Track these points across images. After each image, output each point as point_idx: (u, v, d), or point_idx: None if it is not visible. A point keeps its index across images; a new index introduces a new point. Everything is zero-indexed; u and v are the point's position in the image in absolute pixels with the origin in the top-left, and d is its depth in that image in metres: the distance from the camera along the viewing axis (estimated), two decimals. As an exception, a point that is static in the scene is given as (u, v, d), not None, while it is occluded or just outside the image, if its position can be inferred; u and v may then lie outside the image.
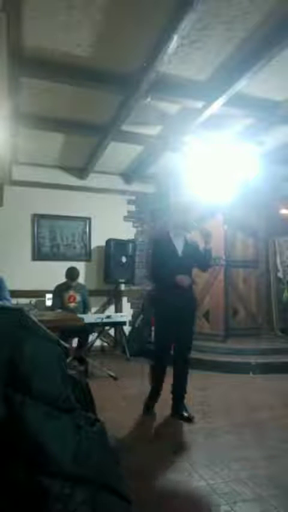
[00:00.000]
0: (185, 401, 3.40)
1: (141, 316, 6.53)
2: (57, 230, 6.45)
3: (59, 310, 5.08)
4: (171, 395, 3.41)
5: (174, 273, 3.26)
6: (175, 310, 3.28)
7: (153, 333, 6.21)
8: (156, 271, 3.43)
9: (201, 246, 3.46)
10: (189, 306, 3.44)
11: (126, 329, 6.19)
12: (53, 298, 5.34)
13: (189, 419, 3.25)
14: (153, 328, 6.27)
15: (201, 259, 3.46)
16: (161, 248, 3.45)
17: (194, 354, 3.99)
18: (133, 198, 6.98)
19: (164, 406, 3.57)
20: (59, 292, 5.29)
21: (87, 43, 3.13)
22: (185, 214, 3.47)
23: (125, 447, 2.68)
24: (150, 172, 6.51)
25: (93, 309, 6.00)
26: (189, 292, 3.42)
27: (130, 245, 6.54)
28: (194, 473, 2.36)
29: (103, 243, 6.46)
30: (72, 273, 5.25)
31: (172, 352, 3.49)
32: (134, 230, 6.99)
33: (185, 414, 3.29)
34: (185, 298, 3.35)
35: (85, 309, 5.39)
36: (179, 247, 3.39)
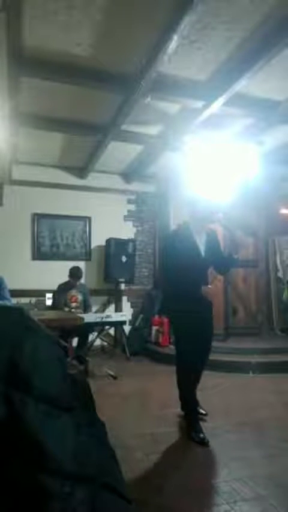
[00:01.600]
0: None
1: (142, 315, 6.54)
2: (57, 230, 6.46)
3: (66, 309, 5.08)
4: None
5: (197, 278, 2.87)
6: (199, 321, 2.90)
7: (153, 333, 6.25)
8: (174, 277, 2.92)
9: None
10: (210, 312, 3.07)
11: (126, 328, 6.19)
12: (57, 297, 5.33)
13: (204, 442, 2.79)
14: (154, 329, 6.30)
15: (220, 259, 3.06)
16: (184, 246, 2.92)
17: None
18: (133, 197, 6.99)
19: (163, 405, 3.58)
20: (62, 291, 5.29)
21: (87, 43, 3.13)
22: (196, 208, 3.10)
23: (124, 446, 2.68)
24: (150, 172, 6.51)
25: (93, 309, 6.00)
26: (210, 299, 3.06)
27: (130, 244, 6.55)
28: (193, 472, 2.37)
29: (103, 243, 6.47)
30: (76, 272, 5.26)
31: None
32: (134, 229, 6.99)
33: (201, 437, 2.82)
34: (205, 305, 2.99)
35: (86, 308, 5.39)
36: (202, 245, 2.95)
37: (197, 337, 2.92)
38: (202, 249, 2.96)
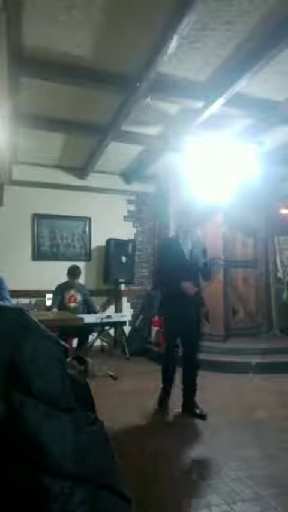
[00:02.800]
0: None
1: (141, 316, 6.54)
2: (57, 230, 6.45)
3: (55, 310, 5.08)
4: (182, 393, 3.56)
5: (183, 277, 3.34)
6: (184, 313, 3.40)
7: (153, 333, 6.25)
8: (166, 276, 3.57)
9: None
10: (199, 309, 3.57)
11: (126, 329, 6.19)
12: (53, 297, 5.34)
13: (202, 416, 3.30)
14: (154, 329, 6.30)
15: (201, 265, 3.50)
16: (171, 252, 3.55)
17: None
18: (133, 198, 6.99)
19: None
20: (60, 291, 5.29)
21: (87, 43, 3.13)
22: (185, 216, 3.64)
23: (124, 446, 2.68)
24: (150, 172, 6.51)
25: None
26: (199, 297, 3.51)
27: (130, 245, 6.55)
28: (193, 472, 2.37)
29: (103, 243, 6.47)
30: (74, 271, 5.26)
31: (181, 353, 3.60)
32: (134, 230, 6.99)
33: (197, 411, 3.37)
34: (193, 301, 3.43)
35: (90, 309, 5.37)
36: (187, 250, 3.48)
37: (179, 327, 3.49)
38: (187, 253, 3.47)
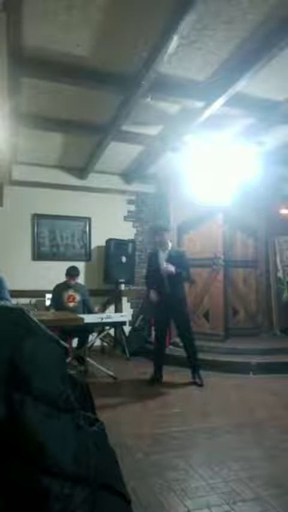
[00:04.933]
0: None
1: (141, 316, 6.53)
2: (57, 230, 6.46)
3: (52, 310, 5.09)
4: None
5: (159, 279, 4.47)
6: (166, 304, 4.44)
7: (153, 333, 6.25)
8: (150, 278, 4.68)
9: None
10: (178, 299, 4.49)
11: (126, 329, 6.19)
12: (52, 297, 5.34)
13: (199, 385, 4.31)
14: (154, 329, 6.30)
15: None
16: (152, 261, 4.64)
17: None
18: (133, 198, 6.99)
19: (163, 405, 3.59)
20: (59, 291, 5.29)
21: (87, 43, 3.13)
22: (162, 236, 4.56)
23: (124, 446, 2.68)
24: (150, 172, 6.50)
25: (95, 309, 5.99)
26: (177, 290, 4.47)
27: (130, 245, 6.54)
28: (193, 472, 2.37)
29: (103, 243, 6.47)
30: (71, 270, 5.26)
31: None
32: (134, 230, 6.99)
33: (197, 380, 4.38)
34: (173, 296, 4.43)
35: (88, 310, 5.38)
36: (162, 260, 4.47)
37: (164, 317, 4.58)
38: (162, 262, 4.46)
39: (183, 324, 4.53)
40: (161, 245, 4.59)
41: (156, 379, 4.46)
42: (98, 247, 6.62)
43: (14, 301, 4.59)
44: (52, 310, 5.12)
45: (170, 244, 4.60)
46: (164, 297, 4.44)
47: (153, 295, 4.49)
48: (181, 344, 4.71)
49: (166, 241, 4.57)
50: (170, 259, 4.44)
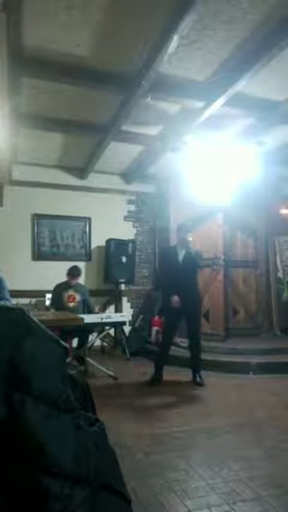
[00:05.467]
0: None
1: (141, 316, 6.53)
2: (57, 230, 6.45)
3: (52, 311, 5.08)
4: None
5: (175, 275, 4.40)
6: (182, 304, 4.30)
7: (153, 333, 6.26)
8: (163, 277, 4.73)
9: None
10: (193, 302, 4.43)
11: (126, 329, 6.18)
12: (52, 297, 5.34)
13: (200, 384, 4.33)
14: (154, 329, 6.30)
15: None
16: (166, 260, 4.68)
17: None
18: (133, 198, 6.98)
19: (163, 405, 3.58)
20: (59, 291, 5.29)
21: (87, 43, 3.13)
22: (186, 234, 4.47)
23: (124, 446, 2.68)
24: (150, 172, 6.50)
25: (95, 309, 5.99)
26: (194, 288, 4.49)
27: (130, 245, 6.54)
28: (193, 472, 2.36)
29: (103, 243, 6.47)
30: (72, 270, 5.26)
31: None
32: (134, 230, 6.99)
33: (198, 380, 4.39)
34: (188, 292, 4.37)
35: (88, 310, 5.37)
36: (181, 256, 4.43)
37: (175, 319, 4.50)
38: (181, 259, 4.43)
39: (194, 324, 4.50)
40: (182, 241, 4.49)
41: (156, 379, 4.45)
42: (98, 247, 6.61)
43: (14, 301, 4.59)
44: (52, 310, 5.11)
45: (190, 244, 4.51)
46: (181, 295, 4.33)
47: (175, 300, 4.28)
48: (183, 344, 4.74)
49: (188, 241, 4.48)
50: (187, 257, 4.42)
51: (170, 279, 4.48)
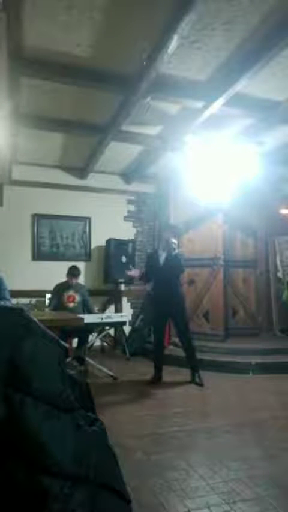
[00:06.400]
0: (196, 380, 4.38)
1: (141, 316, 6.53)
2: (57, 230, 6.45)
3: (50, 310, 5.08)
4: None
5: (158, 277, 4.59)
6: (164, 303, 4.48)
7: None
8: (148, 275, 4.74)
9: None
10: (177, 302, 4.48)
11: (126, 329, 6.19)
12: (51, 297, 5.33)
13: (199, 384, 4.31)
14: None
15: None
16: (149, 262, 4.71)
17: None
18: (133, 198, 6.98)
19: (163, 405, 3.58)
20: (59, 291, 5.28)
21: (87, 43, 3.13)
22: (170, 235, 4.50)
23: (124, 446, 2.68)
24: (150, 172, 6.51)
25: (95, 309, 5.99)
26: (176, 290, 4.49)
27: (130, 245, 6.54)
28: (193, 472, 2.37)
29: (103, 243, 6.46)
30: (72, 270, 5.26)
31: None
32: (134, 230, 6.99)
33: (197, 380, 4.38)
34: (171, 293, 4.45)
35: (88, 310, 5.37)
36: (162, 259, 4.49)
37: (162, 315, 4.60)
38: (162, 261, 4.49)
39: (181, 323, 4.55)
40: (165, 243, 4.53)
41: (156, 379, 4.48)
42: (98, 247, 6.61)
43: (14, 301, 4.59)
44: (50, 310, 5.11)
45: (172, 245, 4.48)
46: (163, 297, 4.49)
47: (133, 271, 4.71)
48: (180, 344, 4.74)
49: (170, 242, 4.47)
50: (168, 258, 4.44)
51: (154, 280, 4.70)
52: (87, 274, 6.47)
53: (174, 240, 4.43)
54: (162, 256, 4.50)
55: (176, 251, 4.41)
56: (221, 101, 3.75)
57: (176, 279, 4.53)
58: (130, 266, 4.83)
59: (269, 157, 5.37)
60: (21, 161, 5.87)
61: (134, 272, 4.72)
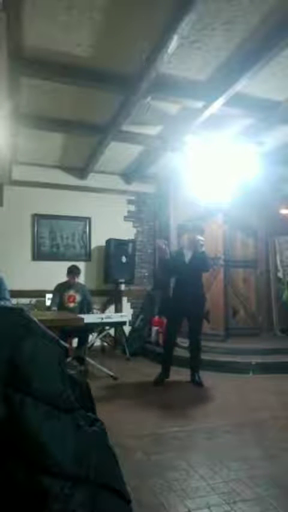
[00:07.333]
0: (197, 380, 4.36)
1: (141, 316, 6.53)
2: (57, 230, 6.45)
3: (54, 309, 5.08)
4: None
5: (181, 276, 4.48)
6: (184, 302, 4.35)
7: (153, 333, 6.26)
8: (171, 272, 4.80)
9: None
10: (197, 303, 4.41)
11: (126, 329, 6.19)
12: (53, 297, 5.33)
13: (199, 384, 4.29)
14: (154, 329, 6.30)
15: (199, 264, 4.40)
16: (175, 258, 4.51)
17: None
18: (133, 198, 6.98)
19: (163, 405, 3.58)
20: (60, 291, 5.28)
21: (87, 43, 3.13)
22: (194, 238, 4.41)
23: (124, 446, 2.68)
24: (150, 172, 6.51)
25: (95, 307, 5.99)
26: (198, 290, 4.43)
27: (130, 245, 6.54)
28: (193, 472, 2.36)
29: (103, 243, 6.46)
30: (73, 270, 5.25)
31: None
32: (134, 230, 6.99)
33: (197, 380, 4.35)
34: (192, 293, 4.35)
35: (88, 309, 5.37)
36: (188, 257, 4.42)
37: (179, 315, 4.51)
38: (187, 260, 4.42)
39: (196, 323, 4.49)
40: (190, 242, 4.47)
41: (161, 380, 4.39)
42: (98, 247, 6.61)
43: (14, 301, 4.59)
44: (54, 309, 5.11)
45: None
46: (185, 296, 4.35)
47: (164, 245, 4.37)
48: (183, 344, 4.70)
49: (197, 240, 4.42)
50: (194, 256, 4.38)
51: (176, 279, 4.59)
52: (87, 274, 6.47)
53: (201, 237, 4.36)
54: (188, 255, 4.42)
55: (203, 249, 4.34)
56: (221, 101, 3.76)
57: (199, 279, 4.46)
58: (165, 241, 4.53)
59: (269, 157, 5.37)
60: (21, 161, 5.87)
61: (165, 247, 4.40)
